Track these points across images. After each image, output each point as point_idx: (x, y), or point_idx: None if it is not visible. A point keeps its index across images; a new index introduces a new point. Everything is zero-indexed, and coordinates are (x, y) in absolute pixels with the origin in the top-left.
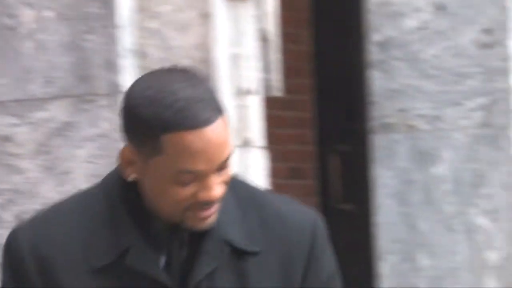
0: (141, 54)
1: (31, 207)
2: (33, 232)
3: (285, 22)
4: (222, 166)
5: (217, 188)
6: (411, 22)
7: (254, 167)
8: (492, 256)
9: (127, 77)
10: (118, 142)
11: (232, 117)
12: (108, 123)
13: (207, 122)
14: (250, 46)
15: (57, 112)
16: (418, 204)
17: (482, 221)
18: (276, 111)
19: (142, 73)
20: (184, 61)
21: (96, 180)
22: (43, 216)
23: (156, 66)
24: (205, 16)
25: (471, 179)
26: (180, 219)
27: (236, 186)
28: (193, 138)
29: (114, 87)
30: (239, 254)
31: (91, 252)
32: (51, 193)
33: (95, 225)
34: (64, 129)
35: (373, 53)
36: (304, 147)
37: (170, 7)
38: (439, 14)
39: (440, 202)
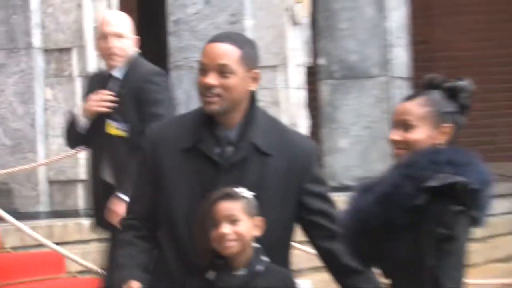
0: None
1: None
2: (153, 128)
3: None
4: (221, 71)
5: (212, 80)
6: None
7: None
8: None
9: None
10: None
11: None
12: None
13: (217, 41)
14: None
15: None
16: None
17: None
18: None
19: None
20: None
21: None
22: (164, 120)
23: None
24: None
25: None
26: (203, 103)
27: (270, 116)
28: (208, 46)
29: None
30: (261, 153)
31: (181, 139)
32: None
33: (185, 126)
34: None
35: None
36: None
37: None
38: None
39: None
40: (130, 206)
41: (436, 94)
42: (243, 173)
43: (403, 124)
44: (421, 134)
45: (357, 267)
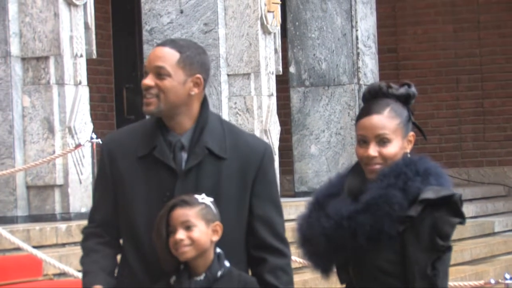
0: None
1: None
2: (109, 138)
3: None
4: (157, 73)
5: (149, 81)
6: None
7: None
8: None
9: None
10: None
11: None
12: None
13: (160, 45)
14: None
15: None
16: None
17: None
18: None
19: None
20: None
21: None
22: (119, 129)
23: None
24: None
25: None
26: (143, 105)
27: (223, 120)
28: (152, 50)
29: None
30: (215, 157)
31: (137, 147)
32: None
33: (140, 133)
34: None
35: None
36: None
37: None
38: (181, 15)
39: None
40: (91, 215)
41: (396, 103)
42: (199, 177)
43: (380, 139)
44: (396, 147)
45: (273, 284)
